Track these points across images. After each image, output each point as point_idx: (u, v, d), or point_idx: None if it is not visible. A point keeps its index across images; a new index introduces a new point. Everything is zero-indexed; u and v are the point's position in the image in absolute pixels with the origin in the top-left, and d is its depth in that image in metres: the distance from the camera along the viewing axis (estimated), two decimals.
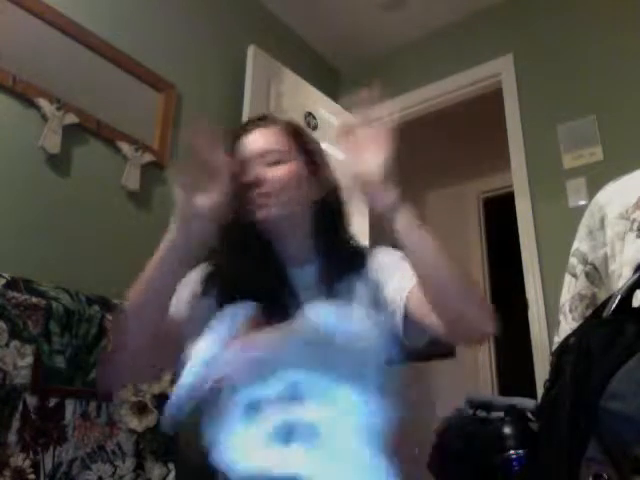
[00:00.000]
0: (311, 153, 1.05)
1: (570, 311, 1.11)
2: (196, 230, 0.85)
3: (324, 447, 0.48)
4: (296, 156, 1.02)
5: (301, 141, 1.05)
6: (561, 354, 0.77)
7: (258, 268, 0.95)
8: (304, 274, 0.99)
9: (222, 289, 0.94)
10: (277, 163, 0.99)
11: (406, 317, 0.89)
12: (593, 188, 1.90)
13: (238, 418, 0.50)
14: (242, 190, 0.96)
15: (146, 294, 0.86)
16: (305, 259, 1.01)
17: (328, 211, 1.03)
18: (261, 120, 1.07)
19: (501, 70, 2.63)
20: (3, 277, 1.32)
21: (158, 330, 0.84)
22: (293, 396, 0.49)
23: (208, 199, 0.85)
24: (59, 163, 1.77)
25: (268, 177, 0.96)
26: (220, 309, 0.89)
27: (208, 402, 0.53)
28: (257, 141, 1.01)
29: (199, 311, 0.92)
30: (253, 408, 0.49)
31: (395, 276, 0.94)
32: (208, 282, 0.96)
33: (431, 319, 0.83)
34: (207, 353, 0.56)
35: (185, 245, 0.85)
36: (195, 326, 0.88)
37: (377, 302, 0.97)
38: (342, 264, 1.00)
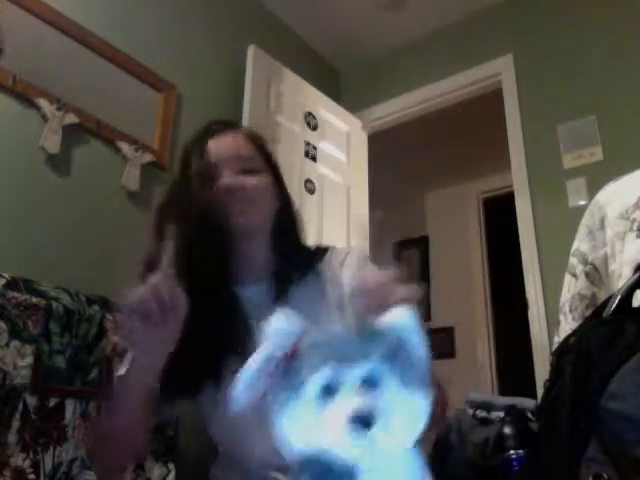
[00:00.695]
0: (273, 164, 1.06)
1: (570, 311, 1.11)
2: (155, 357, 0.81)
3: (390, 441, 0.49)
4: (264, 166, 1.02)
5: (267, 152, 1.06)
6: (561, 354, 0.77)
7: (211, 291, 0.92)
8: (261, 291, 0.97)
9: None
10: (251, 171, 0.98)
11: None
12: (593, 188, 1.90)
13: (313, 397, 0.50)
14: (217, 194, 0.95)
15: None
16: (262, 274, 0.99)
17: (286, 222, 1.04)
18: (229, 125, 1.07)
19: (501, 70, 2.63)
20: (3, 277, 1.32)
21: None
22: (370, 384, 0.49)
23: (166, 334, 0.79)
24: (59, 163, 1.77)
25: (246, 184, 0.96)
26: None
27: (280, 373, 0.53)
28: (231, 145, 1.00)
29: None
30: (330, 390, 0.50)
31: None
32: None
33: None
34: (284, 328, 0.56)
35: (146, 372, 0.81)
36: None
37: (343, 306, 0.95)
38: (302, 275, 0.99)
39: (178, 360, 0.82)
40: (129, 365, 0.84)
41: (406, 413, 0.51)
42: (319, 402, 0.49)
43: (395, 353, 0.51)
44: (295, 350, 0.52)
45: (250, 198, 0.96)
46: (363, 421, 0.47)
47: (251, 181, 0.97)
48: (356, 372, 0.49)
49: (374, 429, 0.47)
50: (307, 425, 0.50)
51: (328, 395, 0.49)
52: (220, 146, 1.00)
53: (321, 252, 1.04)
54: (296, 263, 1.00)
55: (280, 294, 0.96)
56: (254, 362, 0.51)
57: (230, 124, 1.09)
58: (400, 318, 0.55)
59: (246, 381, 0.51)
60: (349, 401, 0.48)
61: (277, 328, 0.54)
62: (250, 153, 1.01)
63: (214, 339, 0.89)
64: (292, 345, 0.52)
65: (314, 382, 0.50)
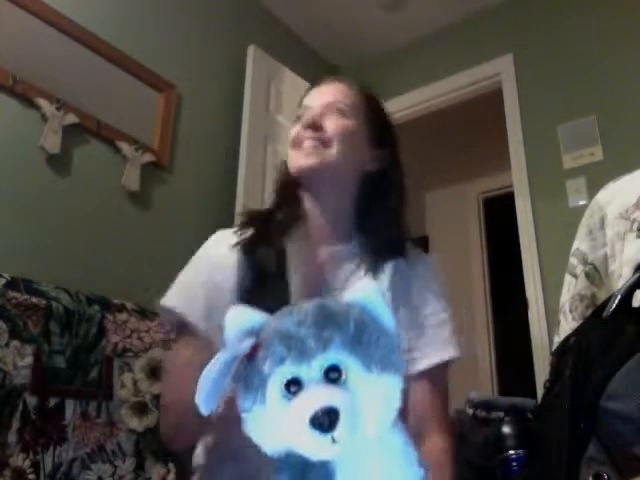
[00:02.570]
0: (381, 125, 0.99)
1: (570, 311, 1.11)
2: None
3: (361, 434, 0.48)
4: (362, 118, 0.94)
5: (375, 109, 0.99)
6: (561, 354, 0.77)
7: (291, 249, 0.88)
8: (337, 253, 0.92)
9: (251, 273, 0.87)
10: (339, 114, 0.92)
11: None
12: (593, 188, 1.90)
13: (276, 395, 0.48)
14: (295, 132, 0.92)
15: None
16: (340, 237, 0.94)
17: (379, 188, 0.95)
18: (342, 78, 1.01)
19: (501, 70, 2.63)
20: (3, 277, 1.32)
21: None
22: (334, 380, 0.48)
23: None
24: (59, 163, 1.77)
25: (325, 124, 0.90)
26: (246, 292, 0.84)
27: (241, 374, 0.50)
28: (326, 92, 0.96)
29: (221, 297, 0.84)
30: (293, 387, 0.48)
31: (430, 327, 0.89)
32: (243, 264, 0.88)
33: (411, 409, 0.82)
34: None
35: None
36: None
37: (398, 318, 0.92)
38: (379, 250, 0.91)
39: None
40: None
41: (377, 395, 0.49)
42: (283, 401, 0.48)
43: (359, 331, 0.50)
44: (256, 346, 0.50)
45: (326, 138, 0.89)
46: (325, 421, 0.45)
47: (332, 121, 0.91)
48: (318, 362, 0.48)
49: (339, 426, 0.45)
50: (273, 427, 0.49)
51: (292, 392, 0.48)
52: (314, 94, 0.97)
53: (407, 247, 0.96)
54: (385, 239, 0.93)
55: (363, 264, 0.90)
56: (214, 366, 0.49)
57: (342, 78, 1.02)
58: (362, 291, 0.53)
59: (208, 386, 0.49)
60: (310, 399, 0.46)
61: (234, 327, 0.53)
62: (345, 99, 0.94)
63: (288, 291, 0.85)
64: (252, 342, 0.51)
65: (276, 380, 0.48)
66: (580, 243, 1.15)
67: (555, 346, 0.96)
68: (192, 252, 0.95)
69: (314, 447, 0.46)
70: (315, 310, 0.51)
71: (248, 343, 0.50)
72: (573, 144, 2.31)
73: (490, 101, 2.71)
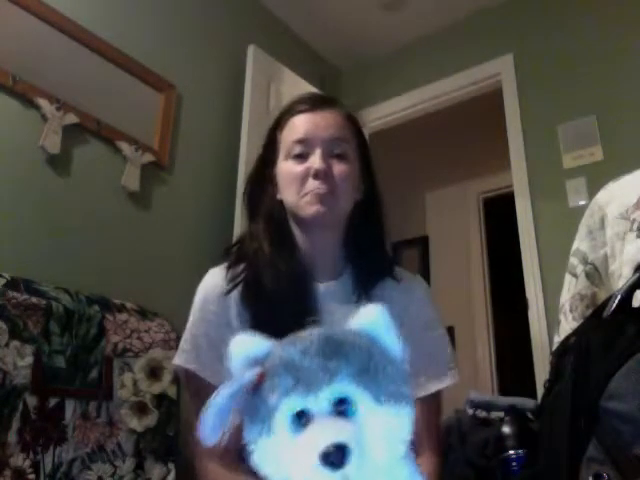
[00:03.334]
0: (366, 154, 0.99)
1: (570, 311, 1.11)
2: None
3: (370, 468, 0.47)
4: (355, 155, 0.94)
5: (361, 136, 0.98)
6: (561, 354, 0.77)
7: (290, 286, 0.88)
8: (330, 290, 0.92)
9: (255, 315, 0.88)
10: (341, 157, 0.91)
11: None
12: (593, 188, 1.90)
13: (283, 428, 0.47)
14: (300, 175, 0.89)
15: None
16: (333, 272, 0.94)
17: (365, 216, 0.96)
18: (328, 101, 0.98)
19: (501, 70, 2.63)
20: (3, 277, 1.32)
21: None
22: (343, 413, 0.47)
23: None
24: (59, 163, 1.77)
25: (333, 172, 0.89)
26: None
27: (247, 405, 0.49)
28: (327, 125, 0.92)
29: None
30: (301, 419, 0.47)
31: (428, 355, 0.88)
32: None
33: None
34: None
35: None
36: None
37: None
38: (371, 277, 0.92)
39: None
40: None
41: (387, 427, 0.48)
42: (290, 434, 0.47)
43: (367, 361, 0.48)
44: (262, 375, 0.49)
45: (333, 188, 0.88)
46: (336, 459, 0.43)
47: (339, 168, 0.90)
48: (325, 394, 0.47)
49: (350, 463, 0.44)
50: (280, 460, 0.47)
51: (299, 424, 0.47)
52: (314, 122, 0.92)
53: (396, 274, 0.96)
54: (373, 264, 0.94)
55: (356, 291, 0.90)
56: (219, 397, 0.48)
57: (326, 99, 0.99)
58: (369, 318, 0.52)
59: (213, 417, 0.47)
60: (320, 434, 0.45)
61: (239, 356, 0.52)
62: (346, 136, 0.93)
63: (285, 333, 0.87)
64: (257, 371, 0.49)
65: (283, 412, 0.47)
66: (580, 243, 1.15)
67: (555, 346, 0.96)
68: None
69: None
70: (321, 339, 0.50)
71: (253, 372, 0.49)
72: (573, 144, 2.31)
73: (490, 101, 2.71)
